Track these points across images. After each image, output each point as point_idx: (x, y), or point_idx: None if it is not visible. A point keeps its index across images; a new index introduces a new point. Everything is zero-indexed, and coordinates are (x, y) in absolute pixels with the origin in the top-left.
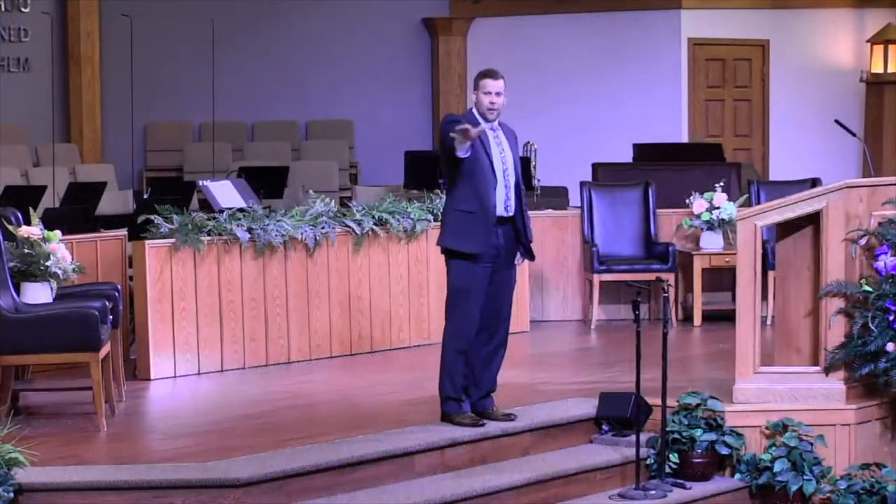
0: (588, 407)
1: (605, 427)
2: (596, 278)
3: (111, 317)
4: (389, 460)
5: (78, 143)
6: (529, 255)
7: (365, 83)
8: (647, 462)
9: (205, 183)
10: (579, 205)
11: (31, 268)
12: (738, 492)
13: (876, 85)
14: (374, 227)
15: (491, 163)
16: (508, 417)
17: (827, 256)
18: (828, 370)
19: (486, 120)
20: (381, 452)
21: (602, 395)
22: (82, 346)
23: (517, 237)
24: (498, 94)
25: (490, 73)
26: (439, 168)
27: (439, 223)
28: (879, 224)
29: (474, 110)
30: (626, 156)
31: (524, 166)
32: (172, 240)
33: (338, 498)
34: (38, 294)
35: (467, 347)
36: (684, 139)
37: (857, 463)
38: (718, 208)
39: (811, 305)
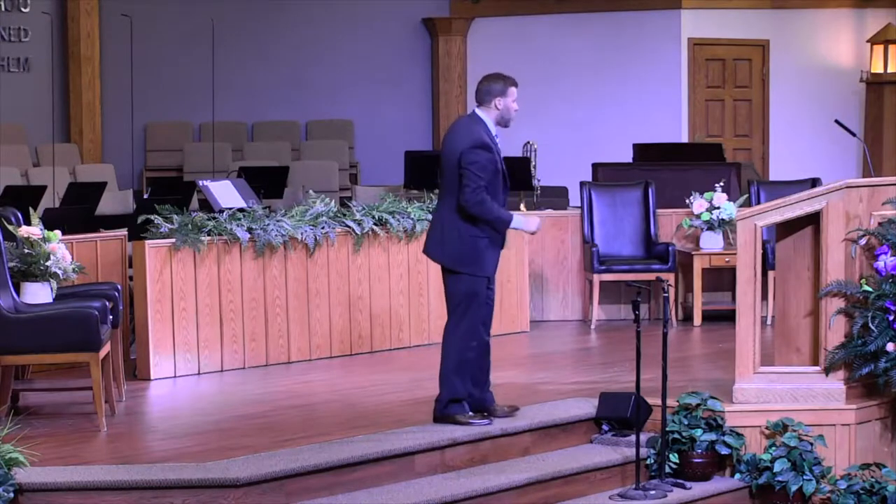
0: (588, 407)
1: (605, 427)
2: (596, 278)
3: (111, 317)
4: (389, 460)
5: (78, 143)
6: None
7: (365, 83)
8: (647, 462)
9: (205, 183)
10: (579, 205)
11: (31, 268)
12: (738, 492)
13: (876, 85)
14: (374, 227)
15: (503, 173)
16: (514, 409)
17: (827, 256)
18: (828, 370)
19: (506, 126)
20: (381, 452)
21: (602, 395)
22: (82, 346)
23: None
24: None
25: (515, 81)
26: (438, 169)
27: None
28: (879, 224)
29: (485, 116)
30: (626, 156)
31: (524, 166)
32: (172, 240)
33: (338, 498)
34: (38, 294)
35: (479, 347)
36: (684, 139)
37: (857, 463)
38: (718, 208)
39: (811, 305)
